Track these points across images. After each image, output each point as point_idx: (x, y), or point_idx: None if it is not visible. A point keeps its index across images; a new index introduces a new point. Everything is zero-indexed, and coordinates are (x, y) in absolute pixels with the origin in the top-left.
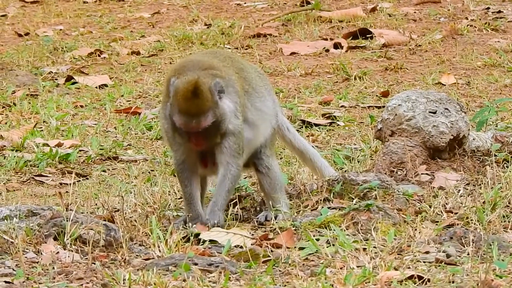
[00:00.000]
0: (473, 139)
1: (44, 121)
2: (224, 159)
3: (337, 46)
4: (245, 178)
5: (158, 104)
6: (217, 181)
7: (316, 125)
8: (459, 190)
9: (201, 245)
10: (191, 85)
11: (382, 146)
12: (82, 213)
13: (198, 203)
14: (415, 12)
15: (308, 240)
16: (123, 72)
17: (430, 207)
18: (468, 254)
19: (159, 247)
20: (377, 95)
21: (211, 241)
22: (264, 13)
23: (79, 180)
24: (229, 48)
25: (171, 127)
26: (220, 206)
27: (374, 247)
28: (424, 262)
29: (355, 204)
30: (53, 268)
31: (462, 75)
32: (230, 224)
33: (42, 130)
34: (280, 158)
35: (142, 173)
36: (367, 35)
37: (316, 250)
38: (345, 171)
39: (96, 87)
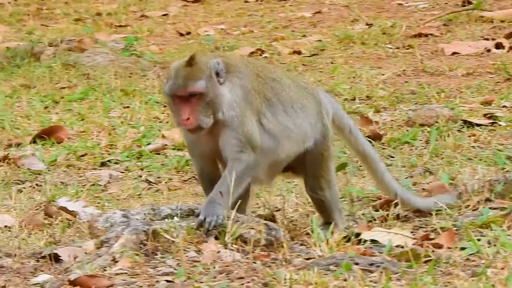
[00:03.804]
0: None
1: None
2: (228, 156)
3: (498, 46)
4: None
5: None
6: None
7: (478, 125)
8: None
9: (362, 244)
10: (188, 57)
11: None
12: None
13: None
14: None
15: (469, 240)
16: (284, 71)
17: None
18: None
19: (320, 246)
20: None
21: (372, 241)
22: (425, 13)
23: None
24: (390, 48)
25: (169, 108)
26: (212, 198)
27: None
28: None
29: None
30: (214, 267)
31: None
32: (391, 224)
33: None
34: (442, 159)
35: None
36: None
37: (477, 251)
38: (506, 171)
39: None
